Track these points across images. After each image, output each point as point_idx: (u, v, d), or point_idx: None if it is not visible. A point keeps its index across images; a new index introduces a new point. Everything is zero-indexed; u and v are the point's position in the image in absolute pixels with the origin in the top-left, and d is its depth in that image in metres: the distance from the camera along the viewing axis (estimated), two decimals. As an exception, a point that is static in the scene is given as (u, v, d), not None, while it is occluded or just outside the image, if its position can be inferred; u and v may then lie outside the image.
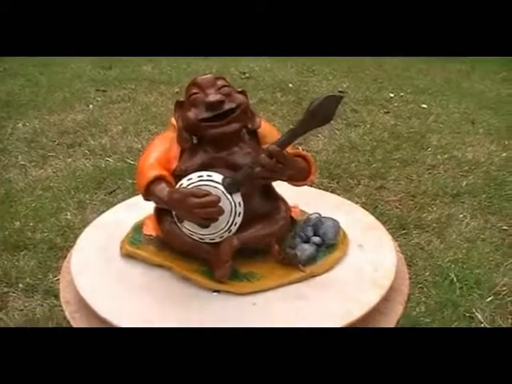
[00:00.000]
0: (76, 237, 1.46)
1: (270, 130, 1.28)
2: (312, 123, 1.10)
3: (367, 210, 1.59)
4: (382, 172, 1.96)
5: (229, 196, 1.13)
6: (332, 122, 1.02)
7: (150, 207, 1.31)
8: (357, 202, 1.70)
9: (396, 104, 2.81)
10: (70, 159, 2.11)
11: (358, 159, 2.06)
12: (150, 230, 1.35)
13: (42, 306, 1.36)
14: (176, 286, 1.23)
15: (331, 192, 1.77)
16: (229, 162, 1.20)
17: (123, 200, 1.67)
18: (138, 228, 1.38)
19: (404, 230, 1.60)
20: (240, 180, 1.14)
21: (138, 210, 1.49)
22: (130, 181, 1.85)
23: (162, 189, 1.14)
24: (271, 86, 3.24)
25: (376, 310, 1.21)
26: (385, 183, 1.89)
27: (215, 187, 1.12)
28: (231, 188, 1.13)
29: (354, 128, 2.40)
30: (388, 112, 2.67)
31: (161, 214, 1.27)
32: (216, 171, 1.16)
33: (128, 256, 1.31)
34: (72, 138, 2.31)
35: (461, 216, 1.68)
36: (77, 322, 1.21)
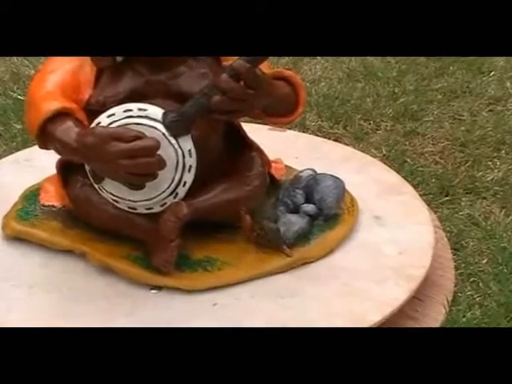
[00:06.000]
0: None
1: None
2: None
3: (390, 166, 1.63)
4: (415, 110, 2.00)
5: (173, 140, 1.15)
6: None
7: (51, 165, 1.32)
8: (375, 156, 1.73)
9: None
10: None
11: (376, 91, 2.10)
12: (52, 198, 1.36)
13: None
14: (93, 281, 1.25)
15: (335, 141, 1.80)
16: (172, 88, 1.22)
17: (7, 156, 1.68)
18: (33, 196, 1.39)
19: (447, 195, 1.64)
20: (190, 116, 1.15)
21: (31, 168, 1.50)
22: (19, 126, 1.86)
23: (68, 129, 1.15)
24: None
25: (403, 314, 1.24)
26: (418, 126, 1.92)
27: (152, 127, 1.13)
28: (176, 128, 1.15)
29: (372, 44, 2.43)
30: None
31: (67, 171, 1.29)
32: (152, 103, 1.17)
33: (16, 238, 1.33)
34: None
35: (541, 175, 1.73)
36: None
